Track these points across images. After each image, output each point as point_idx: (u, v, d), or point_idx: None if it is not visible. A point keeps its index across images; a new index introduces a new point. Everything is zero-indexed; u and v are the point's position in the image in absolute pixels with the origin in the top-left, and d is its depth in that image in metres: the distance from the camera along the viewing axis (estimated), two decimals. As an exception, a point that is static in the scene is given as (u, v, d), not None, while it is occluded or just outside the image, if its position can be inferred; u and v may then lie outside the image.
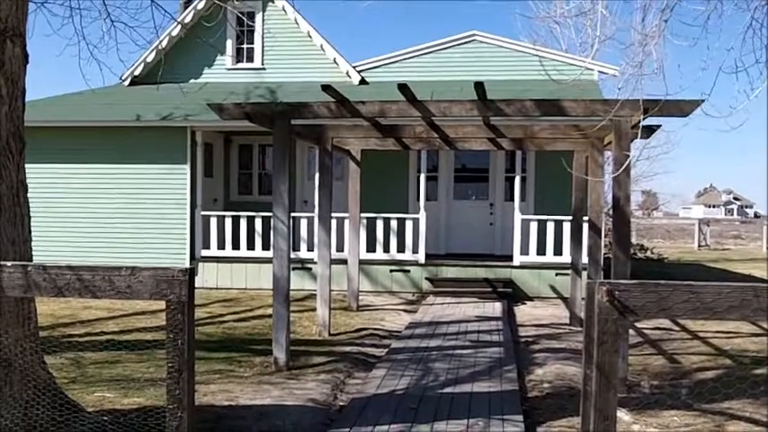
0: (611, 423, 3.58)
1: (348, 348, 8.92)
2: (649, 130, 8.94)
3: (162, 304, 3.50)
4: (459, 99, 7.59)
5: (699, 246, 34.84)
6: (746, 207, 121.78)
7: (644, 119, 7.27)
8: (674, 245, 37.68)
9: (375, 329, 10.29)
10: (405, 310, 12.20)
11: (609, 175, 11.72)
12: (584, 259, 11.48)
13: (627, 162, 7.32)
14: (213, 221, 14.77)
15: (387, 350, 8.68)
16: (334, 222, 14.13)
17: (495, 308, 12.03)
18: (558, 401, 6.61)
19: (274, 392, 6.65)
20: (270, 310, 11.84)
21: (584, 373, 3.65)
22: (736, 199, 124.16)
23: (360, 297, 12.76)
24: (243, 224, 14.64)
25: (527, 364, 8.16)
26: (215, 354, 8.24)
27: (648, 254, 25.30)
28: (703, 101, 7.12)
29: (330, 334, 9.86)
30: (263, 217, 14.49)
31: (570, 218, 11.56)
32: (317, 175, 14.90)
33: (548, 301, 13.38)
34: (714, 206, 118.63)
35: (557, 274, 13.60)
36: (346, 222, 12.95)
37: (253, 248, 14.56)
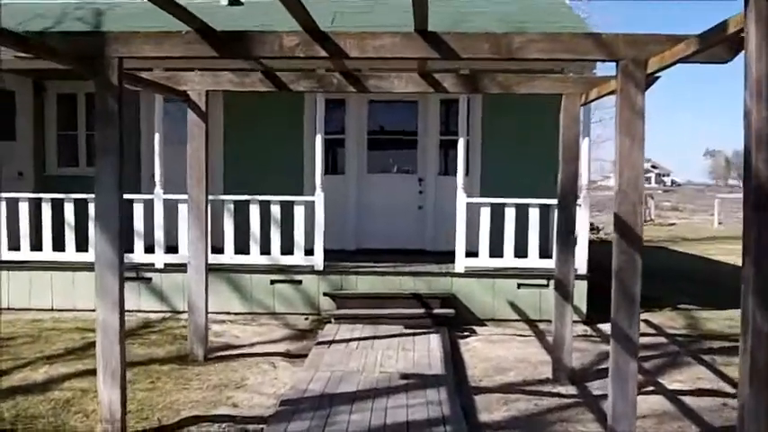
0: None
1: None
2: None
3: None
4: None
5: (644, 220, 31.45)
6: (664, 176, 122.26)
7: None
8: (611, 219, 34.00)
9: (217, 418, 5.54)
10: (286, 355, 7.48)
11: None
12: (579, 268, 7.06)
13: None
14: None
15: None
16: (182, 208, 9.34)
17: (432, 350, 7.46)
18: None
19: None
20: (71, 366, 6.85)
21: None
22: (653, 167, 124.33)
23: (218, 327, 7.99)
24: (45, 212, 9.58)
25: None
26: None
27: (602, 234, 21.39)
28: None
29: (125, 437, 5.07)
30: (75, 200, 9.48)
31: (553, 201, 7.07)
32: (157, 137, 10.07)
33: (507, 325, 8.90)
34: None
35: (519, 286, 9.10)
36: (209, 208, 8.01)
37: (62, 249, 9.53)
